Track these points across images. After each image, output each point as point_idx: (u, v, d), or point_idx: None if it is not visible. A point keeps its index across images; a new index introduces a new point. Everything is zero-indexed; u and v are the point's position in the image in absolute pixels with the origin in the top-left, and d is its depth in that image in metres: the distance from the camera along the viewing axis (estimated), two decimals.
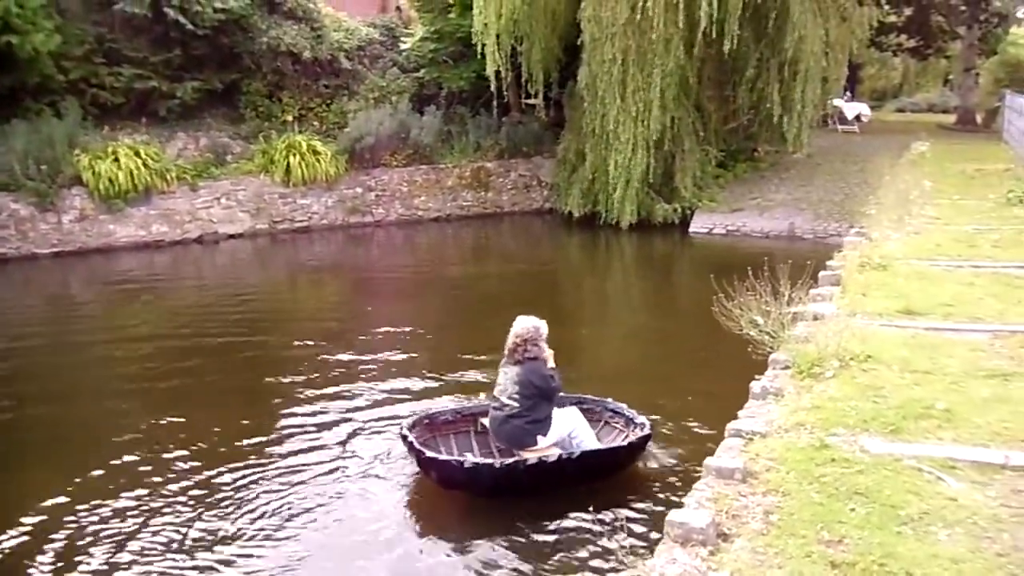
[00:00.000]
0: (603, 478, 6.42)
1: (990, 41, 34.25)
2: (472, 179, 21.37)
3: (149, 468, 6.92)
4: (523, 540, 5.75)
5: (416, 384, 9.02)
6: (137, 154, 17.26)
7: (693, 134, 19.36)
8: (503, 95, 20.22)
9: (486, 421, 6.81)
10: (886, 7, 24.85)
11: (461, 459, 6.22)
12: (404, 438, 6.43)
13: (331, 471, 6.90)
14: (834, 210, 18.16)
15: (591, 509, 5.52)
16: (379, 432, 7.68)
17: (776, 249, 15.00)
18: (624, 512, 5.57)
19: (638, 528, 5.67)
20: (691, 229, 18.78)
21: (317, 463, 7.05)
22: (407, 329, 11.51)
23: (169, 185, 17.70)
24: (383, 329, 11.54)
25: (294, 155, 18.96)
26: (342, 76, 21.41)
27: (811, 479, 4.21)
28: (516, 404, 6.40)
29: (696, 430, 7.37)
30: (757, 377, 5.88)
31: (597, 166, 18.91)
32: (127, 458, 7.17)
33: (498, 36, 19.12)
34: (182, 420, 8.04)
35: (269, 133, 19.57)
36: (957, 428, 4.75)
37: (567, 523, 5.88)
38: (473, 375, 9.08)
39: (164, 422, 7.99)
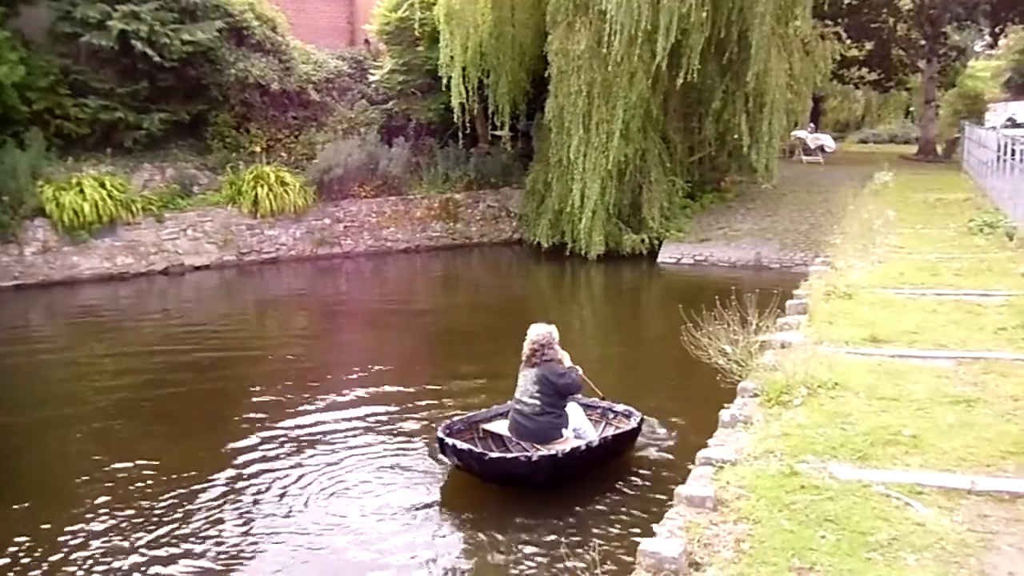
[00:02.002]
0: (619, 456, 7.26)
1: (949, 74, 35.20)
2: (441, 210, 21.38)
3: (120, 507, 6.76)
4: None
5: (381, 412, 8.92)
6: (102, 185, 17.07)
7: (660, 165, 19.56)
8: (467, 127, 20.29)
9: (488, 426, 7.46)
10: (848, 41, 25.43)
11: (528, 453, 6.76)
12: (453, 447, 6.68)
13: (308, 494, 6.87)
14: (800, 240, 18.39)
15: (563, 539, 5.47)
16: (339, 455, 7.72)
17: (743, 279, 15.18)
18: (595, 541, 5.52)
19: (609, 557, 5.61)
20: (659, 259, 18.92)
21: (288, 487, 6.97)
22: (375, 360, 11.40)
23: (135, 216, 17.51)
24: (350, 360, 11.45)
25: (262, 186, 18.86)
26: (310, 108, 21.39)
27: (781, 506, 4.22)
28: (537, 402, 6.95)
29: (666, 458, 7.37)
30: (726, 405, 5.92)
31: (563, 197, 19.01)
32: (91, 488, 7.04)
33: (464, 69, 19.29)
34: (146, 450, 7.86)
35: (237, 164, 19.41)
36: (924, 454, 4.80)
37: (537, 557, 5.79)
38: (440, 403, 9.01)
39: (128, 453, 7.81)
